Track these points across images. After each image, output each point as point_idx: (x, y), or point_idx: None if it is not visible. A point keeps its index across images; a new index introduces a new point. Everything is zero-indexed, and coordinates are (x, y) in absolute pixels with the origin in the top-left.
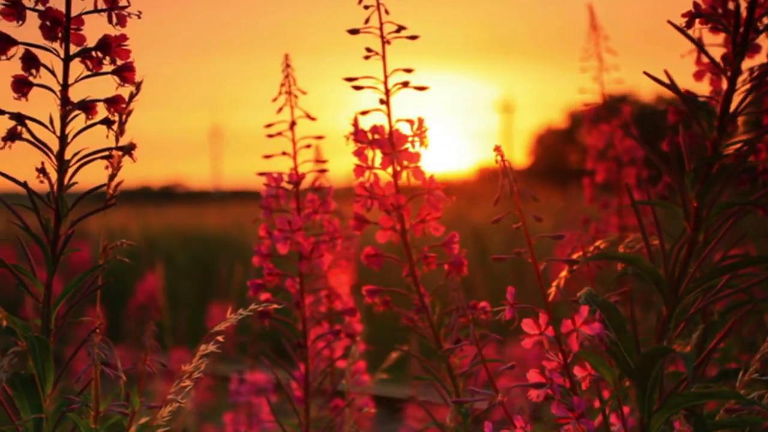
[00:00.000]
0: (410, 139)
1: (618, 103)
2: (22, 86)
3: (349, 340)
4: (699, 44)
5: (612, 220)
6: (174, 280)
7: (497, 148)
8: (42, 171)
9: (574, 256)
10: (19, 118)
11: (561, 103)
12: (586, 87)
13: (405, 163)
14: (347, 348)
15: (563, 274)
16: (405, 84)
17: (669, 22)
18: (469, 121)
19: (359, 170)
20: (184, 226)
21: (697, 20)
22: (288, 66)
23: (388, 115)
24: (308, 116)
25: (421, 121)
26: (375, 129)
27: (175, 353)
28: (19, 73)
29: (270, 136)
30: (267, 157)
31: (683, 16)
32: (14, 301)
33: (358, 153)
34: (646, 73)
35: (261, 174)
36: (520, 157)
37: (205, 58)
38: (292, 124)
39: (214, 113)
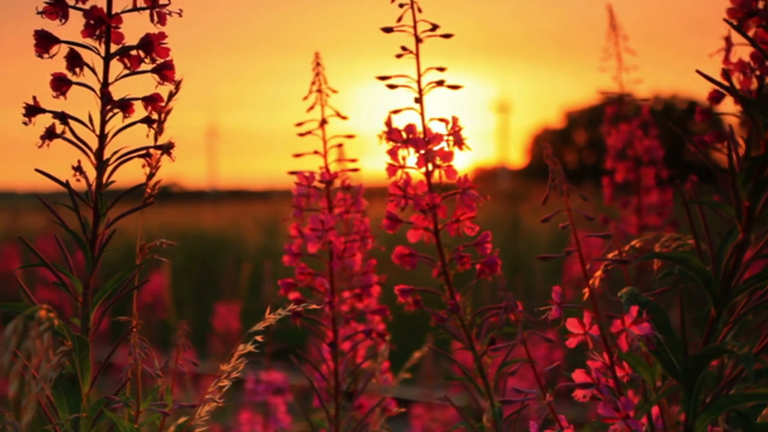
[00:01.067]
0: (445, 138)
1: (614, 103)
2: (61, 85)
3: (372, 341)
4: (755, 42)
5: (631, 220)
6: (172, 279)
7: (546, 146)
8: (79, 169)
9: (609, 256)
10: (63, 117)
11: (557, 103)
12: (605, 86)
13: (438, 162)
14: (369, 348)
15: (598, 273)
16: (439, 83)
17: (725, 20)
18: (466, 121)
19: (392, 169)
20: (181, 226)
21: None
22: (318, 64)
23: (422, 114)
24: (339, 115)
25: (455, 120)
26: (409, 128)
27: (174, 353)
28: (58, 71)
29: (301, 134)
30: (297, 155)
31: (734, 15)
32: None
33: (392, 152)
34: (698, 72)
35: (292, 173)
36: (516, 157)
37: (203, 57)
38: (323, 122)
39: (210, 113)
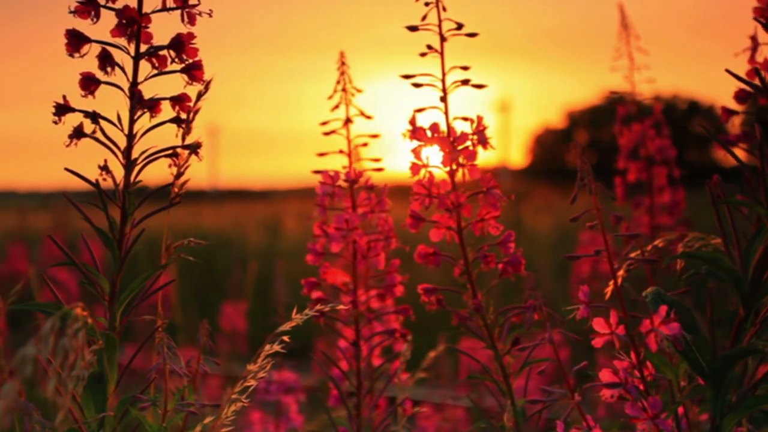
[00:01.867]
0: (470, 137)
1: (617, 104)
2: (89, 84)
3: (394, 340)
4: None
5: (643, 219)
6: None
7: (574, 146)
8: (105, 169)
9: (632, 255)
10: (94, 116)
11: (558, 103)
12: (616, 86)
13: (462, 160)
14: (384, 348)
15: (621, 273)
16: (465, 82)
17: (755, 18)
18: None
19: (415, 168)
20: (181, 225)
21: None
22: (343, 63)
23: (446, 113)
24: (363, 114)
25: (480, 119)
26: (434, 127)
27: (185, 352)
28: (86, 70)
29: (326, 134)
30: (322, 155)
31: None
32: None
33: (416, 151)
34: (728, 71)
35: (316, 172)
36: (517, 157)
37: (204, 57)
38: (347, 121)
39: (211, 112)
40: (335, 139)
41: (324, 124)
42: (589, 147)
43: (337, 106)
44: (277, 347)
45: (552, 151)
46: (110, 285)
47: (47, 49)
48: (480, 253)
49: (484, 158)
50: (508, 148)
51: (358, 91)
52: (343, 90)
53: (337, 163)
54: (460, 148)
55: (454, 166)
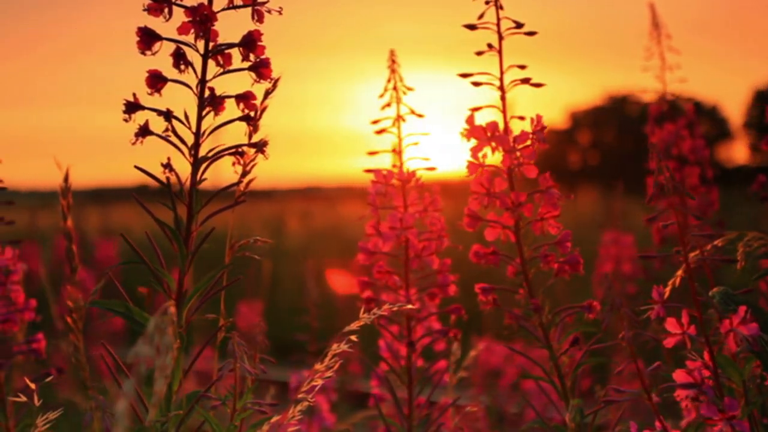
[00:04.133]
0: (530, 136)
1: (621, 104)
2: (156, 82)
3: (448, 341)
4: None
5: (672, 219)
6: None
7: (651, 145)
8: (168, 167)
9: (691, 255)
10: (168, 115)
11: (561, 104)
12: (648, 86)
13: (520, 159)
14: (424, 347)
15: (679, 272)
16: (524, 80)
17: None
18: (467, 121)
19: (472, 167)
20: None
21: None
22: (394, 62)
23: (503, 112)
24: (414, 113)
25: (539, 118)
26: (492, 126)
27: (196, 351)
28: (153, 68)
29: (377, 132)
30: (372, 153)
31: None
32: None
33: (474, 150)
34: None
35: (368, 171)
36: None
37: None
38: (398, 119)
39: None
40: (343, 138)
41: (375, 122)
42: (592, 148)
43: (388, 104)
44: (344, 347)
45: (554, 151)
46: (178, 284)
47: (47, 49)
48: (540, 252)
49: (490, 159)
50: None
51: (409, 89)
52: (394, 88)
53: (332, 163)
54: (520, 147)
55: (513, 166)
